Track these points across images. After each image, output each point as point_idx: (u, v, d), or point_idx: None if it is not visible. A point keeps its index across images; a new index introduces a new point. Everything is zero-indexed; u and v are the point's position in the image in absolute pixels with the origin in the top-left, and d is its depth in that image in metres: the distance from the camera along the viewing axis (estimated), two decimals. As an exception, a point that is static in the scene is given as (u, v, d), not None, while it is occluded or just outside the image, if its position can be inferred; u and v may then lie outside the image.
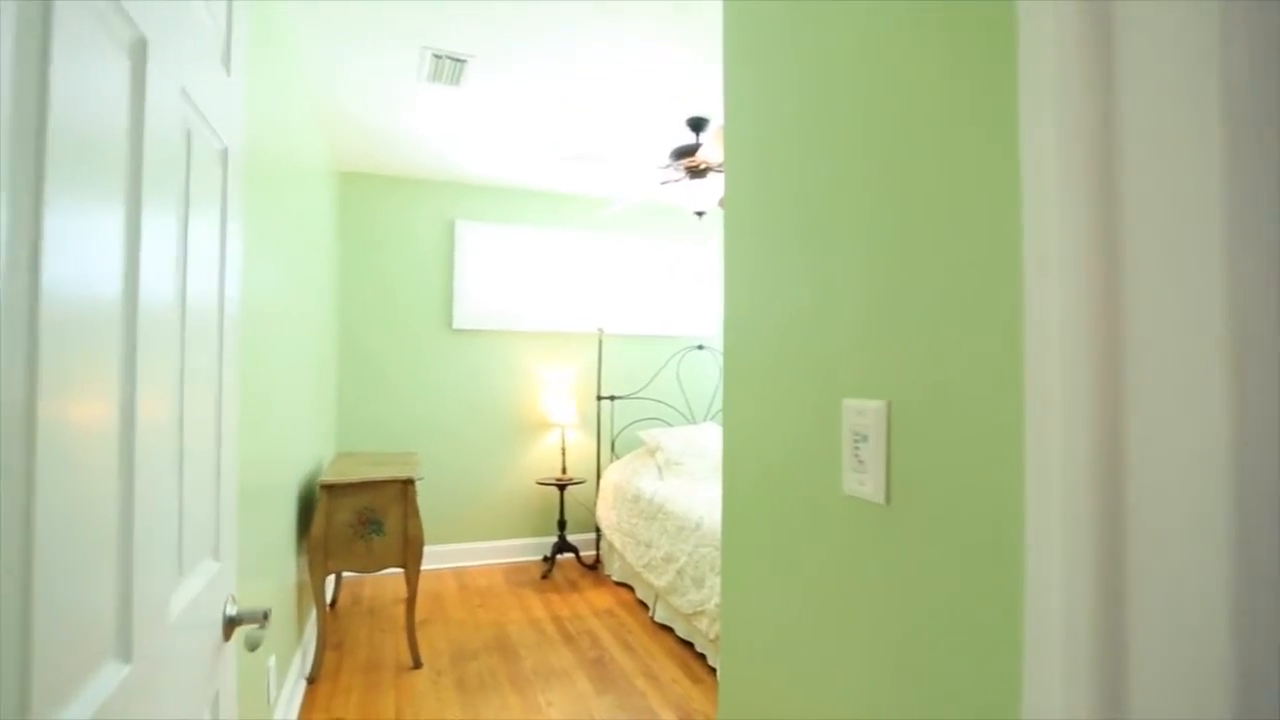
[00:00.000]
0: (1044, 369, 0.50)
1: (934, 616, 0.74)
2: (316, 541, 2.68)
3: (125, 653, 0.66)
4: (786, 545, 1.04)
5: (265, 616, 1.05)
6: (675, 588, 3.15)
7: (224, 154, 1.00)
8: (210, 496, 0.97)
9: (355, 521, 2.74)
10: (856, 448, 0.90)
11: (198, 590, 0.90)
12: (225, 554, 1.04)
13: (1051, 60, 0.49)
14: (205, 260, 0.92)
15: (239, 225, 1.11)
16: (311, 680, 2.69)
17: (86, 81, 0.56)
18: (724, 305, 1.27)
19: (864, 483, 0.88)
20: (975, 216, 0.69)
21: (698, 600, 2.95)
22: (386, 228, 4.23)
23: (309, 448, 3.03)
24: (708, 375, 4.93)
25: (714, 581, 2.85)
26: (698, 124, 3.18)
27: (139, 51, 0.67)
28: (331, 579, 3.65)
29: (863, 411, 0.89)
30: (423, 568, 4.14)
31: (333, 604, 3.52)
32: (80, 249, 0.55)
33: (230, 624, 1.04)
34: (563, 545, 4.24)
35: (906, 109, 0.79)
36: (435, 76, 2.77)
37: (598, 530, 4.37)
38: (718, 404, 4.94)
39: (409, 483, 2.82)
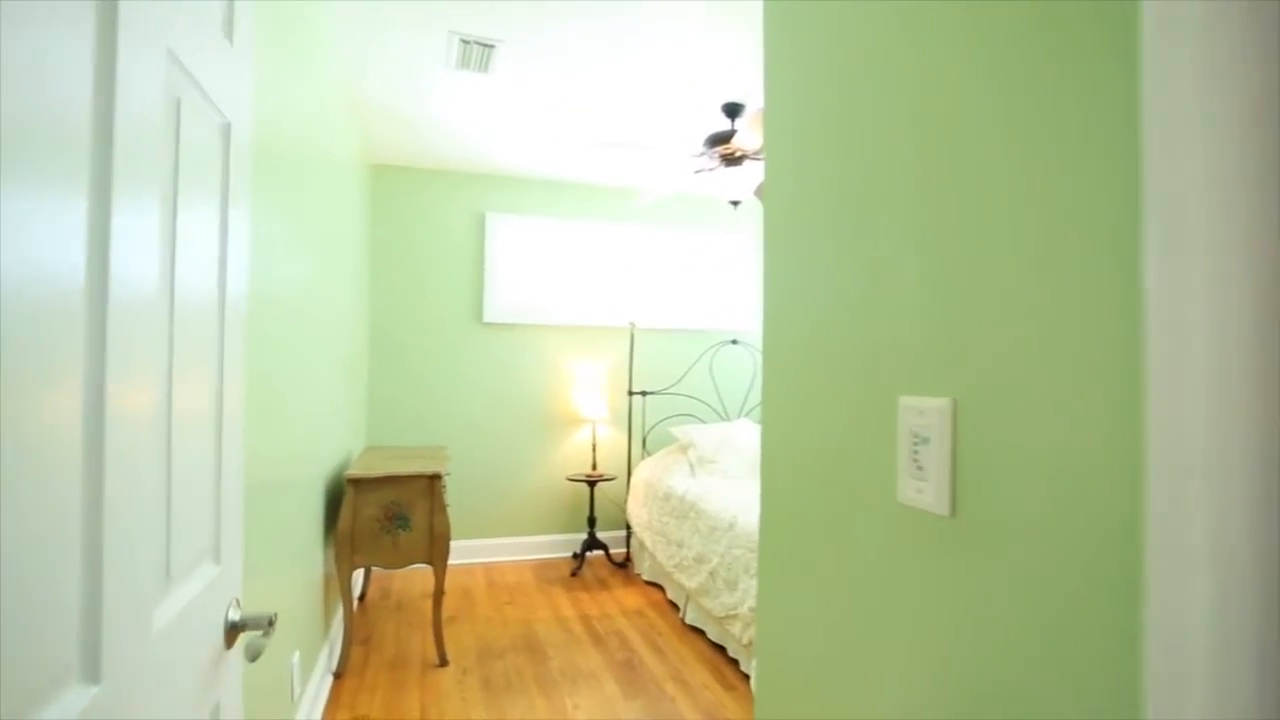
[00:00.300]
0: (1181, 365, 0.39)
1: (1008, 645, 0.64)
2: (343, 536, 2.65)
3: (92, 673, 0.59)
4: (830, 554, 0.94)
5: (270, 623, 0.99)
6: (707, 589, 3.05)
7: (225, 130, 0.94)
8: (209, 496, 0.91)
9: (382, 516, 2.71)
10: (915, 451, 0.80)
11: (192, 596, 0.84)
12: (228, 556, 0.98)
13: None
14: (200, 246, 0.85)
15: (246, 209, 1.05)
16: (338, 675, 2.67)
17: (36, 26, 0.49)
18: (764, 296, 1.17)
19: (923, 491, 0.78)
20: (1068, 192, 0.58)
21: (730, 603, 2.85)
22: (417, 220, 4.20)
23: (338, 441, 3.01)
24: (742, 370, 4.81)
25: (748, 584, 2.74)
26: (733, 110, 3.07)
27: None
28: (360, 573, 3.64)
29: (923, 411, 0.79)
30: (452, 563, 4.12)
31: (361, 598, 3.51)
32: (33, 231, 0.48)
33: (233, 630, 0.98)
34: (592, 543, 4.17)
35: (971, 82, 0.69)
36: (464, 63, 2.71)
37: (628, 528, 4.29)
38: (752, 400, 4.82)
39: (435, 478, 2.77)
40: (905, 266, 0.80)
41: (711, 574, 3.04)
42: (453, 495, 4.20)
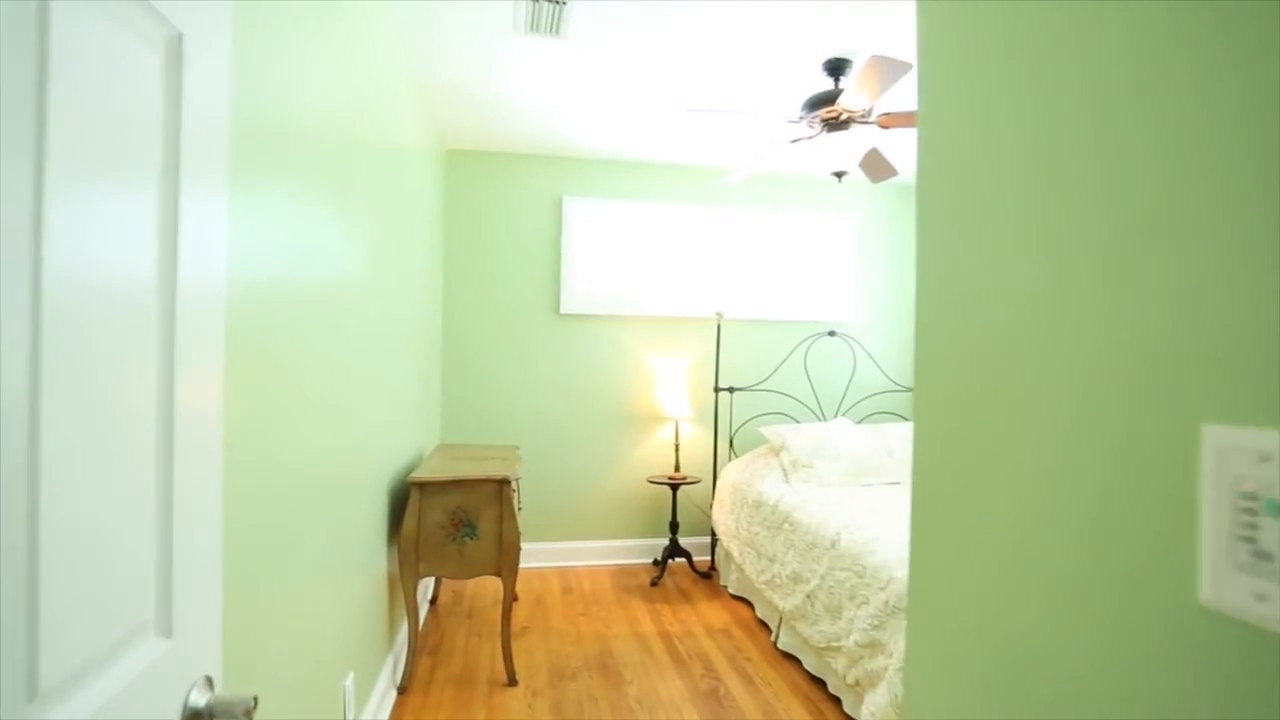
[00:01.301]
0: None
1: None
2: (407, 542, 2.47)
3: None
4: (1037, 658, 0.59)
5: (248, 712, 0.74)
6: (804, 614, 2.70)
7: (173, 46, 0.69)
8: (147, 545, 0.66)
9: (447, 523, 2.51)
10: (1249, 523, 0.45)
11: (114, 694, 0.59)
12: (190, 623, 0.74)
13: None
14: (113, 213, 0.60)
15: (220, 176, 0.80)
16: (402, 690, 2.49)
17: None
18: (919, 269, 0.83)
19: (1270, 597, 0.44)
20: None
21: (832, 634, 2.48)
22: (492, 207, 4.01)
23: (408, 439, 2.85)
24: (840, 365, 4.37)
25: (854, 613, 2.37)
26: (837, 67, 2.67)
27: None
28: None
29: (1269, 455, 0.44)
30: (526, 566, 3.94)
31: (433, 601, 3.36)
32: None
33: (196, 718, 0.74)
34: (674, 550, 3.88)
35: None
36: (533, 26, 2.45)
37: (713, 535, 3.97)
38: (851, 398, 4.38)
39: (504, 483, 2.55)
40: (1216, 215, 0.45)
41: (809, 597, 2.68)
42: (528, 495, 4.01)
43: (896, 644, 2.13)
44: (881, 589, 2.26)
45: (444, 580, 3.67)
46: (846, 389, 4.38)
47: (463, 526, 2.52)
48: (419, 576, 2.49)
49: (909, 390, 4.45)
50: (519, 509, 3.30)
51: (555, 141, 3.81)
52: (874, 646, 2.24)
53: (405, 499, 2.66)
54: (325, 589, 1.68)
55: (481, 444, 3.61)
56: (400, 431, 2.73)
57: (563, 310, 4.04)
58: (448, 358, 3.97)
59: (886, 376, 4.43)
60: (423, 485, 2.50)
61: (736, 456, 4.14)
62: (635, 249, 4.13)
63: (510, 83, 3.02)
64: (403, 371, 2.77)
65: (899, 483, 3.56)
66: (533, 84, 3.03)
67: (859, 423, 4.28)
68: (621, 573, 3.95)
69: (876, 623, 2.24)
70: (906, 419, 4.42)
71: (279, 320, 1.32)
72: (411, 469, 2.90)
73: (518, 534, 2.56)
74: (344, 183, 1.82)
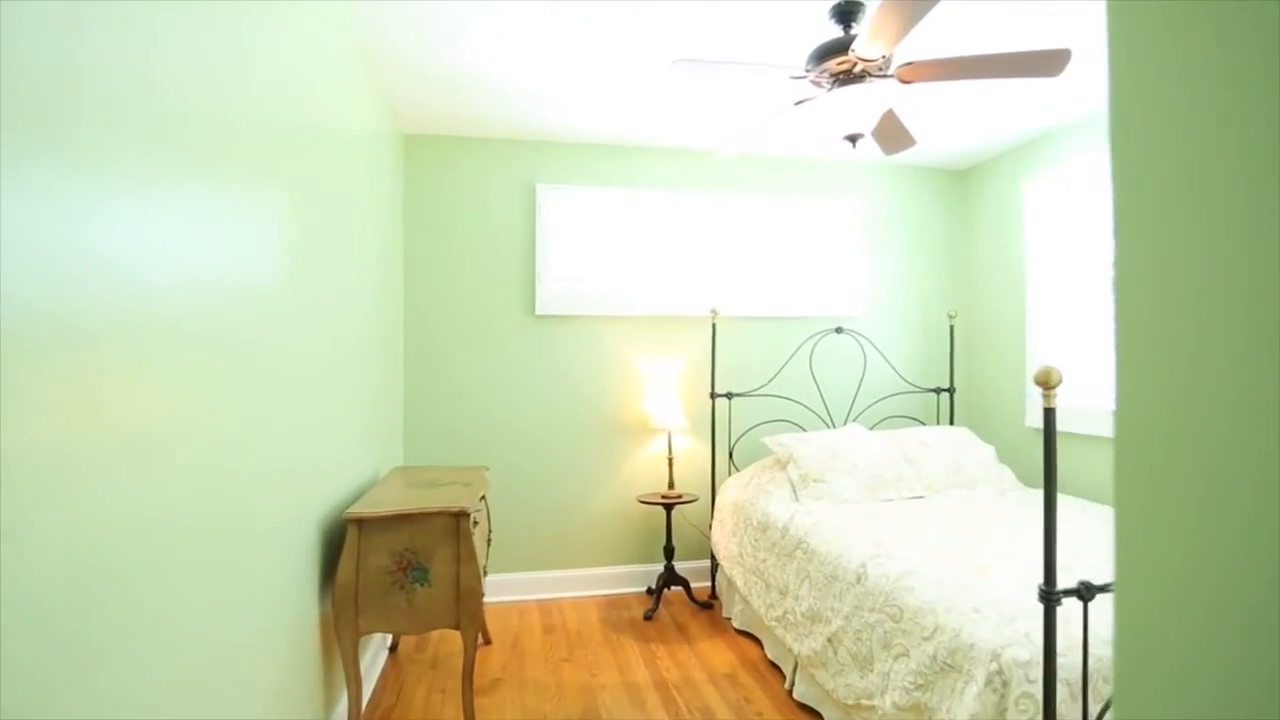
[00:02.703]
0: None
1: None
2: (344, 592, 2.02)
3: None
4: None
5: None
6: (825, 661, 2.26)
7: None
8: None
9: (393, 566, 2.07)
10: None
11: None
12: None
13: None
14: None
15: None
16: (342, 773, 2.05)
17: None
18: (1117, 238, 0.40)
19: None
20: None
21: (862, 689, 2.05)
22: (457, 198, 3.58)
23: (353, 464, 2.40)
24: (850, 365, 3.96)
25: (890, 666, 1.94)
26: (849, 11, 2.26)
27: None
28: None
29: None
30: (502, 599, 3.50)
31: (393, 649, 2.91)
32: None
33: None
34: (670, 577, 3.44)
35: None
36: (483, -37, 2.03)
37: (713, 559, 3.54)
38: (862, 401, 3.96)
39: (461, 516, 2.11)
40: None
41: (831, 641, 2.25)
42: (503, 519, 3.57)
43: (949, 710, 1.70)
44: (926, 639, 1.83)
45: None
46: (857, 391, 3.96)
47: (411, 570, 2.08)
48: (359, 634, 2.05)
49: (926, 391, 4.03)
50: (488, 540, 2.85)
51: (526, 122, 3.38)
52: (917, 711, 1.81)
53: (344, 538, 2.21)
54: (218, 670, 1.24)
55: (445, 465, 3.17)
56: (343, 456, 2.29)
57: (538, 311, 3.61)
58: (411, 369, 3.52)
59: (900, 376, 4.01)
60: (362, 522, 2.06)
61: (737, 470, 3.71)
62: (618, 242, 3.70)
63: (472, 52, 2.59)
64: (349, 386, 2.33)
65: (923, 496, 3.14)
66: (498, 53, 2.60)
67: (872, 428, 3.86)
68: (611, 604, 3.51)
69: (920, 681, 1.81)
70: (923, 422, 4.01)
71: (126, 347, 0.89)
72: (358, 499, 2.45)
73: (478, 577, 2.12)
74: (247, 173, 1.38)
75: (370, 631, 2.06)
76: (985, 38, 2.50)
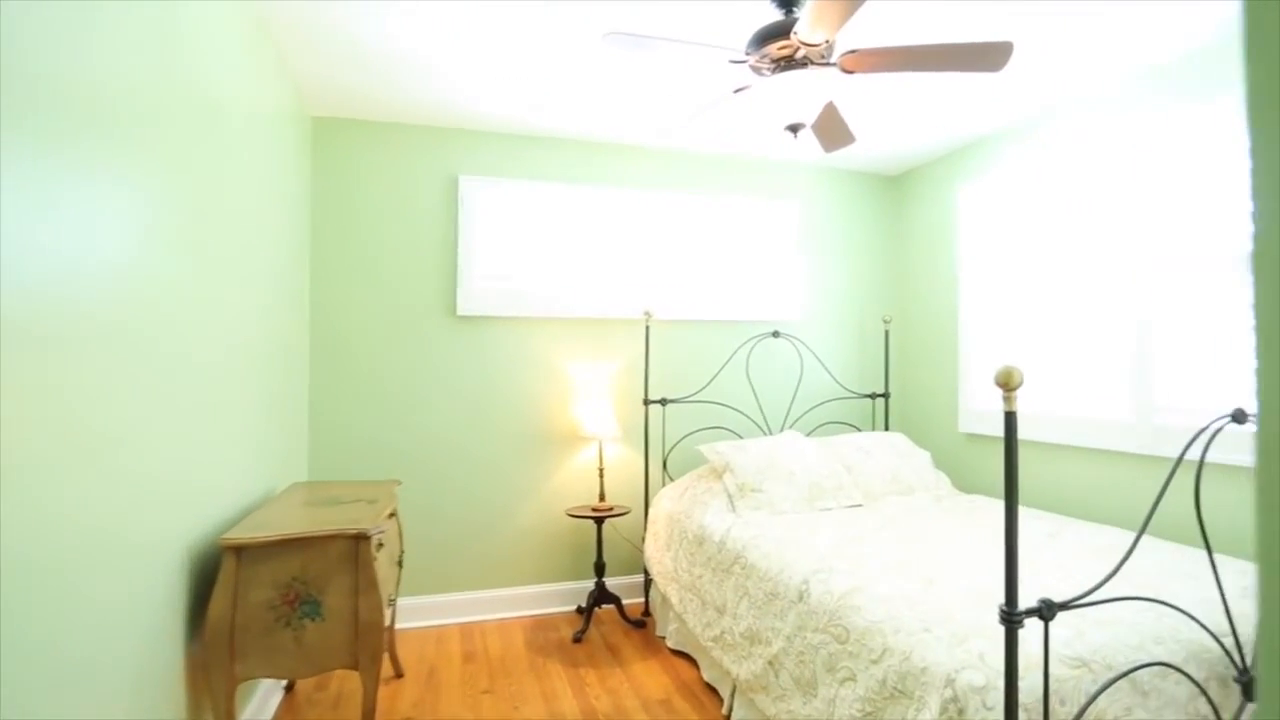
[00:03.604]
0: None
1: None
2: (216, 633, 1.73)
3: None
4: None
5: None
6: (765, 685, 2.11)
7: None
8: None
9: (279, 600, 1.79)
10: None
11: None
12: None
13: None
14: None
15: None
16: (214, 845, 1.74)
17: None
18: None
19: None
20: None
21: (805, 716, 1.90)
22: (371, 187, 3.29)
23: (235, 481, 2.10)
24: (786, 370, 3.86)
25: (835, 691, 1.80)
26: (789, -6, 2.13)
27: None
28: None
29: None
30: (421, 624, 3.21)
31: (289, 688, 2.59)
32: None
33: None
34: (601, 595, 3.24)
35: None
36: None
37: (646, 573, 3.36)
38: (799, 407, 3.87)
39: (360, 539, 1.85)
40: None
41: (772, 664, 2.10)
42: (420, 536, 3.28)
43: (900, 741, 1.56)
44: (874, 661, 1.70)
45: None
46: (794, 397, 3.87)
47: (301, 604, 1.80)
48: (237, 681, 1.76)
49: (862, 396, 3.98)
50: (399, 563, 2.58)
51: (448, 107, 3.14)
52: (867, 741, 1.67)
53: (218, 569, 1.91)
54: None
55: (351, 481, 2.88)
56: (226, 470, 1.99)
57: (460, 311, 3.35)
58: (318, 374, 3.20)
59: (837, 381, 3.95)
60: (240, 550, 1.77)
61: (672, 480, 3.55)
62: (548, 239, 3.49)
63: (378, 22, 2.34)
64: (236, 389, 2.03)
65: (861, 504, 3.05)
66: (413, 27, 2.36)
67: (809, 434, 3.77)
68: (538, 626, 3.28)
69: (868, 709, 1.67)
70: (859, 428, 3.95)
71: None
72: (243, 519, 2.15)
73: (380, 608, 1.86)
74: (96, 145, 1.11)
75: (250, 677, 1.77)
76: (928, 35, 2.43)
